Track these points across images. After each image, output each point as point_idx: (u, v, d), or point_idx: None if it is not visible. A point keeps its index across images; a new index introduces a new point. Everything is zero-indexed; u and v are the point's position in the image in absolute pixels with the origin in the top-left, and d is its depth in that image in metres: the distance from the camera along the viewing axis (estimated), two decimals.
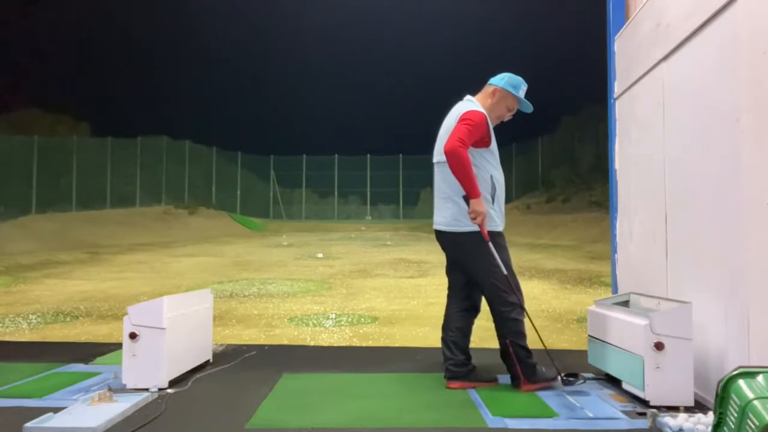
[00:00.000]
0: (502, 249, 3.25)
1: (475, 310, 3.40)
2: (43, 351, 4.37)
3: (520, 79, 3.40)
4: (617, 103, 4.36)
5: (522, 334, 3.21)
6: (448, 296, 3.44)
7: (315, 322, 6.21)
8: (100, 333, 5.59)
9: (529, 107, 3.42)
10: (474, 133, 3.16)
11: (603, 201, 19.90)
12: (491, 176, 3.25)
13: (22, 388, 3.21)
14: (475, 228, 3.17)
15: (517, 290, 3.23)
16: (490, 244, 3.16)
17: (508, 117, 3.43)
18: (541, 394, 3.14)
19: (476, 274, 3.24)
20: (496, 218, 3.26)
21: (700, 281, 3.01)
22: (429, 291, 8.38)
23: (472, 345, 3.38)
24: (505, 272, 3.17)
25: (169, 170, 27.87)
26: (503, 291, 3.18)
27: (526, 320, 3.25)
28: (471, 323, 3.40)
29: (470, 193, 3.12)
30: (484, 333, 5.61)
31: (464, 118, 3.19)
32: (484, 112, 3.27)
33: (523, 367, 3.19)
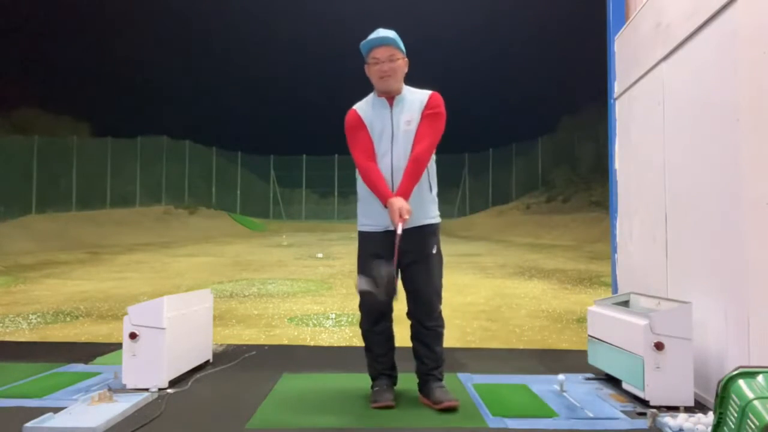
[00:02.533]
0: (368, 249, 3.04)
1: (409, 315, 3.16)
2: (43, 351, 4.37)
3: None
4: (617, 103, 4.36)
5: (362, 333, 3.13)
6: None
7: (315, 322, 6.21)
8: (100, 333, 5.59)
9: (370, 40, 2.97)
10: (352, 138, 3.01)
11: (603, 201, 19.88)
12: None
13: (22, 388, 3.21)
14: (359, 228, 3.11)
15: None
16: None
17: (385, 67, 2.95)
18: (541, 393, 3.13)
19: None
20: (363, 216, 3.07)
21: (700, 281, 3.01)
22: None
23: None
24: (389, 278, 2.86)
25: (169, 170, 27.88)
26: None
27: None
28: (416, 332, 3.12)
29: (382, 202, 2.89)
30: (483, 333, 5.62)
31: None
32: (354, 106, 3.07)
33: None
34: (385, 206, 2.86)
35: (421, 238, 2.98)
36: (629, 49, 4.07)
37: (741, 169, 2.59)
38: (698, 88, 3.03)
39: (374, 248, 3.01)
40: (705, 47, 2.94)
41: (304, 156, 34.25)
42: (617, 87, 4.34)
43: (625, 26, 4.23)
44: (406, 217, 2.78)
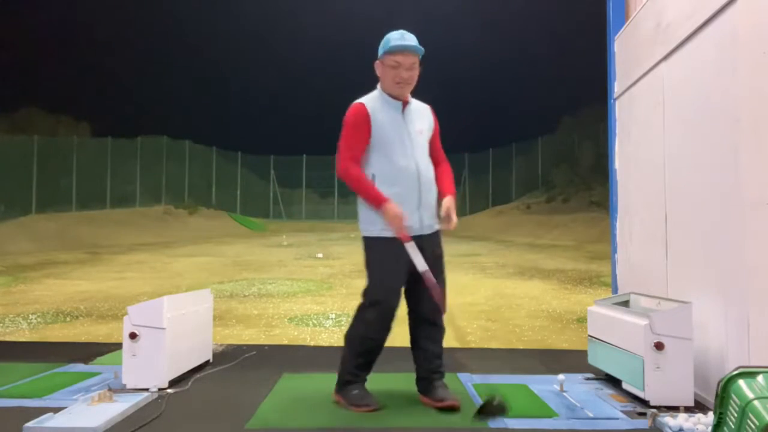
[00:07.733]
0: (387, 255, 2.89)
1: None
2: (43, 351, 4.37)
3: (387, 36, 2.95)
4: (617, 103, 4.36)
5: (355, 339, 2.97)
6: None
7: (315, 322, 6.21)
8: (100, 333, 5.59)
9: (398, 45, 2.88)
10: (351, 136, 2.89)
11: (603, 201, 19.88)
12: (372, 175, 2.89)
13: (22, 388, 3.21)
14: (373, 234, 2.92)
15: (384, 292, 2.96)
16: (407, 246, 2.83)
17: (405, 74, 2.89)
18: (541, 393, 3.13)
19: None
20: (378, 222, 2.87)
21: (700, 281, 3.01)
22: None
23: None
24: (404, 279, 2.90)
25: (169, 170, 27.86)
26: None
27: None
28: (426, 332, 3.09)
29: (374, 206, 2.82)
30: (483, 333, 5.62)
31: (343, 125, 2.94)
32: (362, 101, 2.95)
33: (340, 371, 3.01)
34: (378, 210, 2.81)
35: (436, 239, 3.03)
36: (629, 49, 4.07)
37: (741, 170, 2.59)
38: (698, 88, 3.03)
39: (403, 255, 2.86)
40: (705, 47, 2.94)
41: (304, 156, 34.25)
42: (617, 87, 4.34)
43: (625, 26, 4.22)
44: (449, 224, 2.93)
